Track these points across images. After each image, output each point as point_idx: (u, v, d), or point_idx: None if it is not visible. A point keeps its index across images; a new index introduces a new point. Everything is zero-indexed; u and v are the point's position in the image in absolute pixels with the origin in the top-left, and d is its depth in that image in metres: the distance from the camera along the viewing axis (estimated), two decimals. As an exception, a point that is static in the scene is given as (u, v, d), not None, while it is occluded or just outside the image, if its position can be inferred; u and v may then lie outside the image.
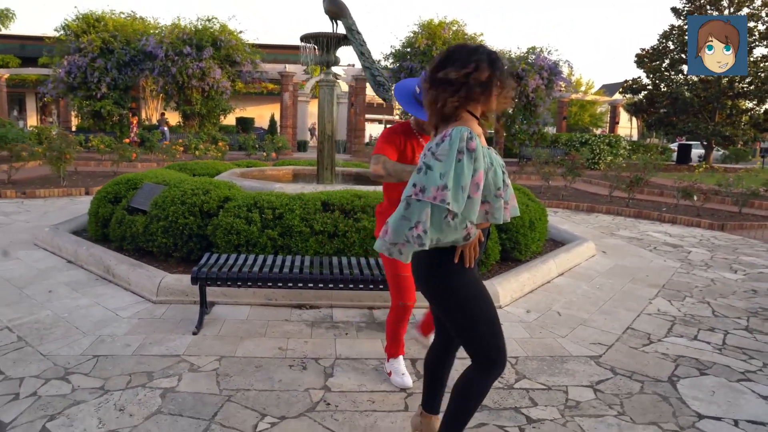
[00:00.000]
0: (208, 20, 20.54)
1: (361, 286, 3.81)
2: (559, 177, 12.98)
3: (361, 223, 4.69)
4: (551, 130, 28.39)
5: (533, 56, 21.43)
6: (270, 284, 3.76)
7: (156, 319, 3.90)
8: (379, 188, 5.59)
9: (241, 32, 21.39)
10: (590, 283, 5.31)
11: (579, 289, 5.06)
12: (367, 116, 40.83)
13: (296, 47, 8.39)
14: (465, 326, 2.06)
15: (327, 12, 7.05)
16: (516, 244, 5.37)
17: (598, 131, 39.38)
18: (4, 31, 30.38)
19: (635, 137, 38.03)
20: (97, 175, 12.69)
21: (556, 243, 6.57)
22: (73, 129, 21.84)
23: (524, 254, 5.51)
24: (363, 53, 6.92)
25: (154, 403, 2.74)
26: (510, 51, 22.40)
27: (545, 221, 6.17)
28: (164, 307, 4.15)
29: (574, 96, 29.21)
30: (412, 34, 21.22)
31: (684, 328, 4.21)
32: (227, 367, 3.16)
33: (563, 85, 23.70)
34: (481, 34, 21.26)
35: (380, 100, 38.85)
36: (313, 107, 31.48)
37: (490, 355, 2.06)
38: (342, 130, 29.51)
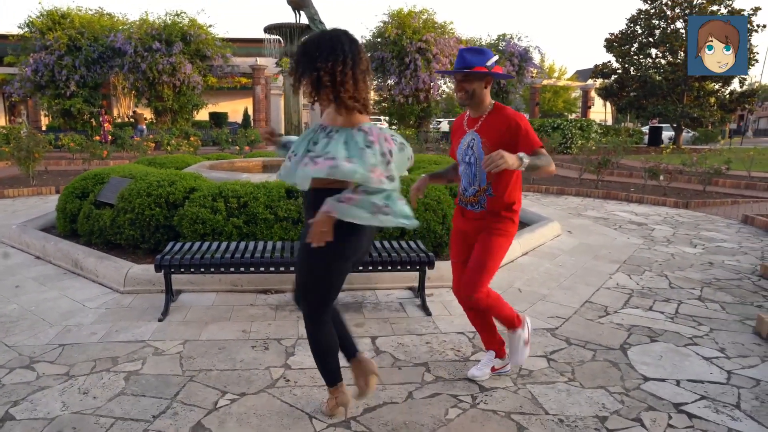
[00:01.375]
0: (177, 15, 20.33)
1: None
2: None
3: (327, 209, 4.76)
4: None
5: (504, 43, 21.62)
6: (233, 269, 3.84)
7: (123, 308, 3.94)
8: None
9: (210, 26, 21.24)
10: (553, 261, 5.46)
11: (541, 267, 5.21)
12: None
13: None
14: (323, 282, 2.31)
15: (289, 2, 7.10)
16: (481, 226, 5.49)
17: (572, 116, 39.87)
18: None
19: (610, 122, 38.61)
20: (68, 173, 12.55)
21: (522, 224, 6.71)
22: (43, 128, 21.50)
23: (490, 235, 5.63)
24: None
25: (117, 386, 2.81)
26: (480, 38, 22.57)
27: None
28: (131, 296, 4.19)
29: (546, 82, 29.55)
30: (381, 24, 21.25)
31: (640, 300, 4.37)
32: (191, 350, 3.23)
33: (534, 72, 23.98)
34: (451, 23, 21.45)
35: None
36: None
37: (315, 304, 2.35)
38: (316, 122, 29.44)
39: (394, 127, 23.07)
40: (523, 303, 4.19)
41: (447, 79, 22.16)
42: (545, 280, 4.82)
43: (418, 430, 2.45)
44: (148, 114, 23.21)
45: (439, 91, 22.69)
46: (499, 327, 3.00)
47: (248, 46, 26.26)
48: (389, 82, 21.84)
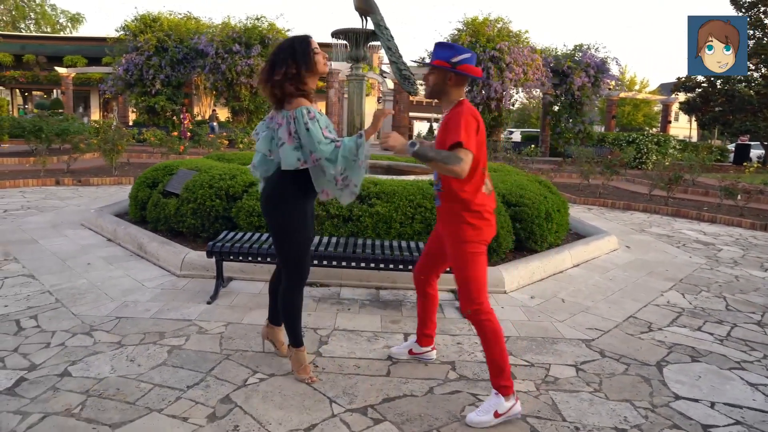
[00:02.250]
0: (257, 19, 21.16)
1: (372, 265, 4.06)
2: (599, 175, 12.82)
3: (375, 208, 4.90)
4: (599, 129, 27.77)
5: (580, 54, 21.07)
6: (270, 260, 4.03)
7: (177, 290, 4.23)
8: (397, 177, 5.79)
9: (288, 30, 21.93)
10: (604, 274, 5.34)
11: (591, 280, 5.10)
12: (414, 114, 41.06)
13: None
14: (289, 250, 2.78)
15: (357, 9, 7.29)
16: (531, 234, 5.44)
17: (653, 131, 38.22)
18: (74, 34, 32.19)
19: (695, 138, 36.69)
20: (146, 166, 13.35)
21: (579, 237, 6.58)
22: (130, 123, 22.97)
23: (540, 245, 5.57)
24: (390, 48, 7.12)
25: (160, 357, 3.05)
26: (555, 48, 22.10)
27: (565, 214, 6.20)
28: (186, 280, 4.48)
29: (623, 95, 28.43)
30: (456, 32, 21.22)
31: (689, 320, 4.21)
32: (232, 332, 3.44)
33: (612, 83, 23.18)
34: (526, 32, 21.05)
35: (422, 98, 38.92)
36: (360, 104, 31.85)
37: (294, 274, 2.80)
38: (387, 127, 29.81)
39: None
40: (564, 313, 4.14)
41: (520, 89, 21.86)
42: (592, 292, 4.73)
43: (431, 423, 2.52)
44: (224, 113, 24.26)
45: (512, 100, 22.39)
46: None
47: (324, 50, 26.95)
48: (461, 89, 21.81)
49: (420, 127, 39.37)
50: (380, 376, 2.97)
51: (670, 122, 27.97)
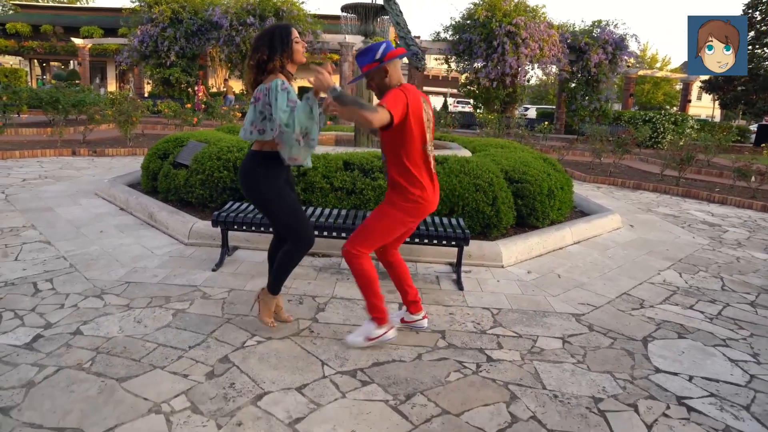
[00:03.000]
0: (271, -9, 21.05)
1: None
2: (611, 153, 12.76)
3: (378, 181, 5.01)
4: (617, 107, 27.41)
5: (598, 30, 20.72)
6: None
7: (184, 258, 4.41)
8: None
9: (302, 2, 21.80)
10: (604, 252, 5.42)
11: (589, 257, 5.19)
12: (428, 88, 40.76)
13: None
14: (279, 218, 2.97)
15: (367, -18, 7.29)
16: (532, 211, 5.52)
17: (672, 110, 37.63)
18: (90, 4, 32.35)
19: (718, 118, 36.04)
20: (160, 137, 13.52)
21: (583, 215, 6.65)
22: (146, 95, 23.14)
23: (542, 222, 5.65)
24: (399, 23, 7.14)
25: (165, 319, 3.23)
26: (573, 24, 21.75)
27: (569, 192, 6.26)
28: (193, 248, 4.66)
29: (642, 72, 27.95)
30: (471, 6, 20.95)
31: (683, 298, 4.30)
32: (234, 298, 3.61)
33: (630, 61, 22.80)
34: (543, 6, 20.72)
35: (440, 73, 38.57)
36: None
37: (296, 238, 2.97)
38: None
39: (478, 111, 22.87)
40: (557, 288, 4.25)
41: (535, 65, 21.61)
42: (588, 269, 4.82)
43: (416, 386, 2.66)
44: (239, 85, 24.34)
45: (527, 76, 22.15)
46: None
47: (338, 23, 26.81)
48: (476, 65, 21.58)
49: (435, 102, 39.08)
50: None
51: (689, 101, 27.53)
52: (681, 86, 31.54)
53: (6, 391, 2.43)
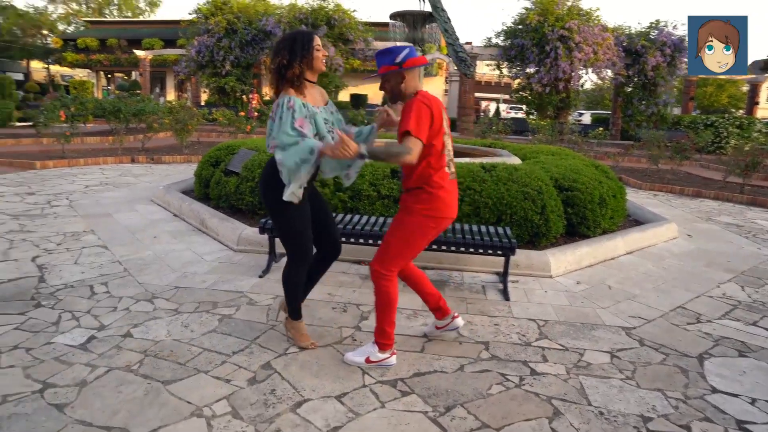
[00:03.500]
0: (324, 0, 21.40)
1: None
2: (669, 159, 12.29)
3: (424, 191, 4.98)
4: (676, 111, 26.37)
5: (655, 32, 20.04)
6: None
7: (232, 264, 4.51)
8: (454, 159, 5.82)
9: (354, 11, 22.05)
10: (658, 263, 5.20)
11: (642, 268, 5.00)
12: (480, 95, 40.39)
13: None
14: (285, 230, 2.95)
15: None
16: (583, 220, 5.37)
17: (738, 113, 35.86)
18: (151, 18, 33.84)
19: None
20: (215, 145, 13.95)
21: (638, 224, 6.42)
22: (202, 103, 23.92)
23: (593, 231, 5.48)
24: (447, 30, 7.13)
25: (211, 324, 3.31)
26: (629, 27, 21.11)
27: (622, 200, 6.06)
28: (242, 255, 4.76)
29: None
30: (523, 11, 20.65)
31: (745, 313, 4.07)
32: (278, 304, 3.65)
33: (692, 63, 21.90)
34: (597, 9, 20.22)
35: (489, 79, 38.17)
36: (426, 85, 31.70)
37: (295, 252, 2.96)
38: (453, 108, 29.53)
39: (531, 117, 22.48)
40: (607, 300, 4.11)
41: (589, 70, 21.07)
42: (641, 280, 4.64)
43: (457, 398, 2.62)
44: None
45: (580, 81, 21.63)
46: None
47: (381, 31, 26.96)
48: (528, 70, 21.25)
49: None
50: (414, 352, 3.10)
51: (757, 103, 26.21)
52: (748, 88, 30.05)
53: (62, 388, 2.55)
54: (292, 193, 2.70)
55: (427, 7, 7.22)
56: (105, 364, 2.78)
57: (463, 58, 6.90)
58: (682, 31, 20.49)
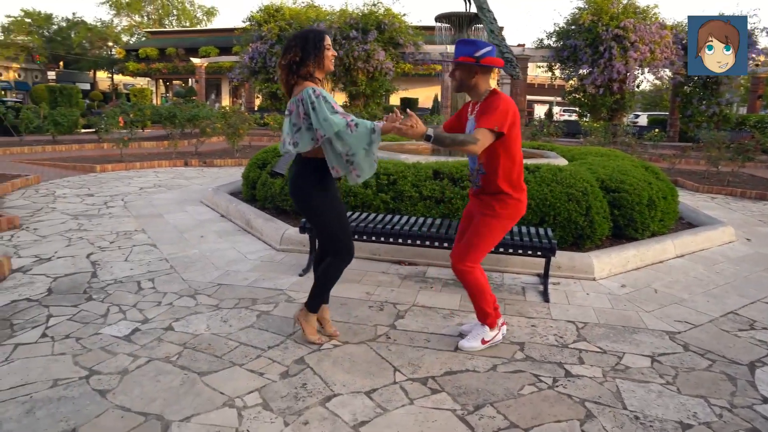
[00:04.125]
0: (374, 5, 21.61)
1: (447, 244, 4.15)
2: (729, 161, 11.72)
3: (466, 190, 4.95)
4: (742, 110, 25.15)
5: (718, 27, 19.17)
6: (365, 237, 4.26)
7: (274, 263, 4.62)
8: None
9: (404, 15, 22.16)
10: (711, 267, 4.98)
11: (693, 272, 4.80)
12: (532, 97, 39.73)
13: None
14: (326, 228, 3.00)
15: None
16: (630, 222, 5.21)
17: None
18: (208, 26, 35.05)
19: None
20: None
21: (687, 226, 6.17)
22: (255, 108, 24.56)
23: (641, 233, 5.30)
24: (493, 31, 7.06)
25: (250, 320, 3.40)
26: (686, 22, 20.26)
27: (673, 202, 5.84)
28: (284, 254, 4.86)
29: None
30: (576, 11, 20.20)
31: (804, 320, 3.85)
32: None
33: (760, 58, 20.84)
34: (655, 6, 19.52)
35: (543, 81, 37.47)
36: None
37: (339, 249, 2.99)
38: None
39: (584, 119, 21.96)
40: (652, 303, 3.96)
41: (646, 70, 20.37)
42: (691, 284, 4.45)
43: (487, 397, 2.60)
44: (342, 98, 25.15)
45: (636, 81, 20.94)
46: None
47: (427, 34, 26.95)
48: (581, 71, 20.77)
49: (539, 111, 37.95)
50: (447, 351, 3.09)
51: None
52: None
53: (105, 376, 2.68)
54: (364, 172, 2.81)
55: (473, 9, 7.17)
56: (146, 355, 2.91)
57: (508, 59, 6.82)
58: (749, 24, 19.50)
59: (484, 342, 3.11)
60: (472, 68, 2.84)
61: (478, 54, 2.81)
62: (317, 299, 3.10)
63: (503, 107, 2.75)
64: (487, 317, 3.09)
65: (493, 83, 3.03)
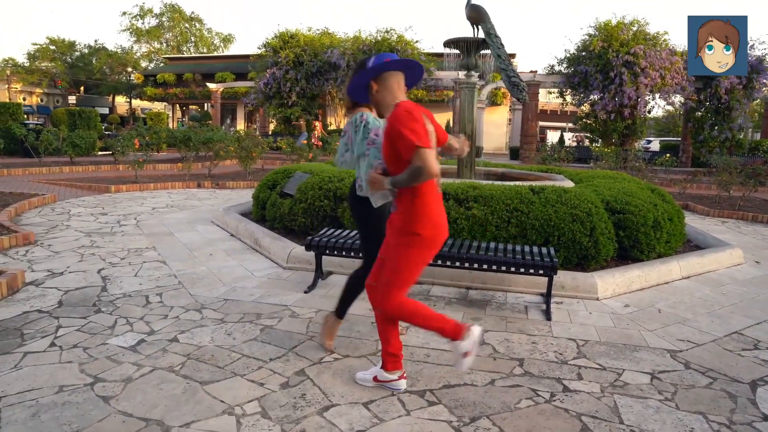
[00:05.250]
0: (386, 32, 22.04)
1: (465, 264, 4.20)
2: (741, 185, 11.67)
3: (472, 211, 5.01)
4: (755, 136, 25.04)
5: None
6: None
7: (280, 280, 4.69)
8: (497, 182, 5.82)
9: (417, 42, 22.54)
10: (716, 288, 4.96)
11: (698, 293, 4.78)
12: (545, 123, 39.89)
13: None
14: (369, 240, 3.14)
15: (468, 18, 7.47)
16: (636, 243, 5.22)
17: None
18: (225, 53, 35.76)
19: None
20: (279, 171, 14.55)
21: (694, 248, 6.16)
22: (269, 133, 24.92)
23: (647, 255, 5.31)
24: (500, 56, 7.18)
25: (253, 334, 3.46)
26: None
27: (679, 224, 5.84)
28: (290, 272, 4.93)
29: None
30: (587, 37, 20.42)
31: (810, 341, 3.82)
32: (320, 318, 3.77)
33: (773, 83, 20.84)
34: (665, 33, 19.69)
35: (555, 107, 37.65)
36: (490, 114, 31.71)
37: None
38: (516, 137, 29.28)
39: (595, 144, 22.04)
40: (655, 323, 3.96)
41: (656, 95, 20.44)
42: (695, 305, 4.44)
43: (483, 410, 2.62)
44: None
45: (647, 107, 21.00)
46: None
47: (435, 60, 27.32)
48: (592, 97, 20.91)
49: (552, 137, 38.01)
50: (446, 365, 3.11)
51: None
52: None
53: (109, 383, 2.75)
54: (376, 199, 2.97)
55: (481, 35, 7.31)
56: (150, 364, 2.97)
57: (515, 83, 6.92)
58: (759, 50, 19.59)
59: (375, 380, 2.81)
60: (369, 87, 2.69)
61: (368, 66, 2.66)
62: (345, 305, 3.26)
63: (402, 119, 2.45)
64: (446, 331, 2.69)
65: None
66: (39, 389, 2.67)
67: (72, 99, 37.24)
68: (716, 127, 20.01)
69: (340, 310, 3.27)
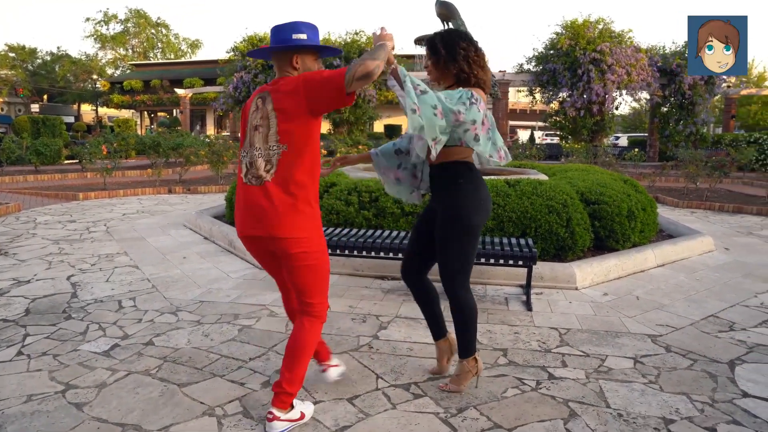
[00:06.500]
0: (356, 33, 21.98)
1: None
2: (707, 177, 11.96)
3: (446, 206, 4.98)
4: (717, 130, 25.72)
5: (691, 50, 19.74)
6: (347, 251, 4.27)
7: (256, 280, 4.59)
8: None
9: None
10: (691, 275, 5.04)
11: (673, 279, 4.85)
12: (515, 123, 40.31)
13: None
14: None
15: (438, 15, 7.49)
16: (611, 233, 5.27)
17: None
18: (193, 58, 35.36)
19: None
20: (251, 175, 14.33)
21: (667, 237, 6.25)
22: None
23: (622, 244, 5.36)
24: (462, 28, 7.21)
25: (231, 334, 3.37)
26: (663, 47, 20.86)
27: (652, 213, 5.93)
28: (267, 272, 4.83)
29: (746, 92, 26.08)
30: (554, 36, 20.69)
31: (784, 322, 3.89)
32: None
33: (732, 80, 21.44)
34: (630, 31, 20.06)
35: (524, 106, 38.08)
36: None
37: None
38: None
39: (565, 142, 22.33)
40: (634, 310, 3.99)
41: (624, 92, 20.81)
42: (672, 291, 4.50)
43: (470, 400, 2.59)
44: (326, 125, 25.36)
45: (615, 103, 21.37)
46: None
47: (405, 60, 27.40)
48: (561, 94, 21.18)
49: (523, 136, 38.43)
50: (430, 358, 3.07)
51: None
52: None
53: (82, 389, 2.63)
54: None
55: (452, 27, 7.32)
56: (125, 369, 2.86)
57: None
58: (718, 48, 20.12)
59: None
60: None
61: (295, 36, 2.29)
62: (471, 338, 2.72)
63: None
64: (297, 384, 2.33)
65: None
66: (5, 399, 2.53)
67: (35, 107, 36.31)
68: (681, 122, 20.47)
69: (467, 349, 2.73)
